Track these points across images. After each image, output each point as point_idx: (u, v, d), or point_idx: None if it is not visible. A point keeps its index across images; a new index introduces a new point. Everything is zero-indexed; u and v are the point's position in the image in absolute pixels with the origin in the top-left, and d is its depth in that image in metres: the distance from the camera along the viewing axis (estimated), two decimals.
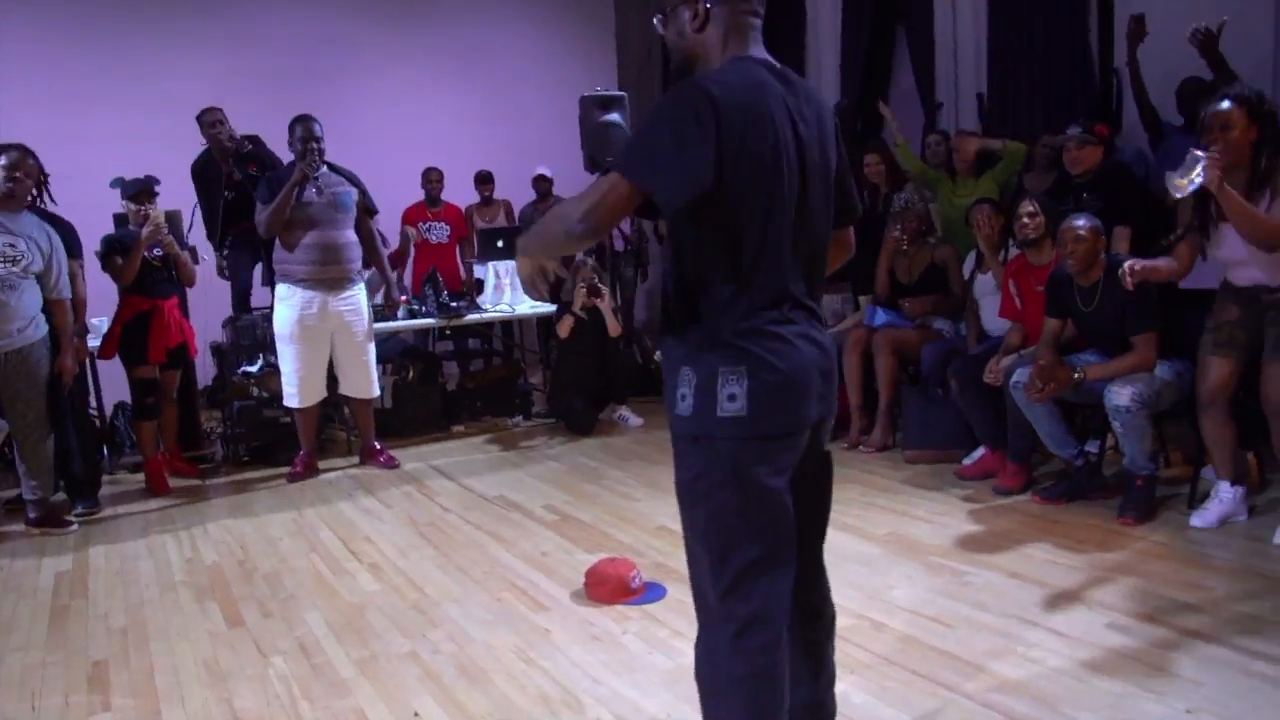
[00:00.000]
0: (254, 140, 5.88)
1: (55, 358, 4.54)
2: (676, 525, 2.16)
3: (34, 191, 4.55)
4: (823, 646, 2.05)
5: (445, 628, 3.21)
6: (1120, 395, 3.66)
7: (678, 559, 3.32)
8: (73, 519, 4.67)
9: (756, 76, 1.73)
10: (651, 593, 3.32)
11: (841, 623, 2.98)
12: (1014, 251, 4.62)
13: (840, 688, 2.63)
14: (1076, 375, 3.80)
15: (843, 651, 2.83)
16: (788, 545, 1.78)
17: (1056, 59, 5.84)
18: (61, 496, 4.85)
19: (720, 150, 1.63)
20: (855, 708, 2.53)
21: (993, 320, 4.77)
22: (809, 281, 1.82)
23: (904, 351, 5.06)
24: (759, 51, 1.80)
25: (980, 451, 4.55)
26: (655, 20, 1.88)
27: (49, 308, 4.52)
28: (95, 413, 5.72)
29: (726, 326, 1.72)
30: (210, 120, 5.76)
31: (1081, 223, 3.85)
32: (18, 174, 4.35)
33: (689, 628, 2.76)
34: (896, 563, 3.53)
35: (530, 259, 1.86)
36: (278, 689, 2.85)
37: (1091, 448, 4.21)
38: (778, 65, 1.79)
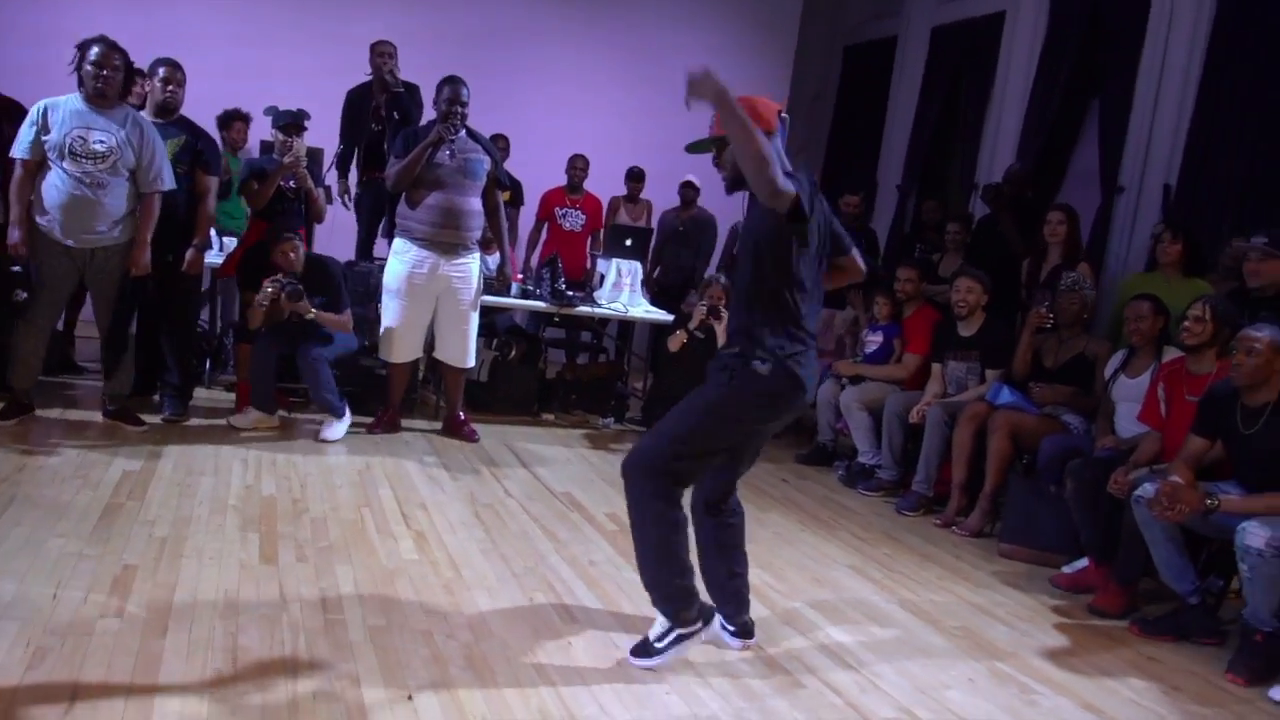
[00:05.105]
0: (411, 90, 5.90)
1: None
2: None
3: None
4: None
5: (468, 615, 3.06)
6: (1255, 536, 3.22)
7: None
8: (144, 419, 4.69)
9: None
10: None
11: (884, 714, 2.73)
12: (1173, 354, 4.21)
13: None
14: (1210, 503, 3.38)
15: None
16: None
17: (1263, 159, 5.36)
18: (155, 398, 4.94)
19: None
20: None
21: (1128, 425, 4.35)
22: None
23: (1021, 438, 4.69)
24: None
25: (1083, 562, 4.14)
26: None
27: (138, 202, 4.39)
28: (205, 326, 5.83)
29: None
30: (382, 50, 5.87)
31: (1263, 334, 3.43)
32: (105, 71, 4.19)
33: (714, 672, 2.55)
34: (960, 660, 3.20)
35: (717, 90, 2.63)
36: (285, 636, 2.75)
37: (1212, 586, 3.78)
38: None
